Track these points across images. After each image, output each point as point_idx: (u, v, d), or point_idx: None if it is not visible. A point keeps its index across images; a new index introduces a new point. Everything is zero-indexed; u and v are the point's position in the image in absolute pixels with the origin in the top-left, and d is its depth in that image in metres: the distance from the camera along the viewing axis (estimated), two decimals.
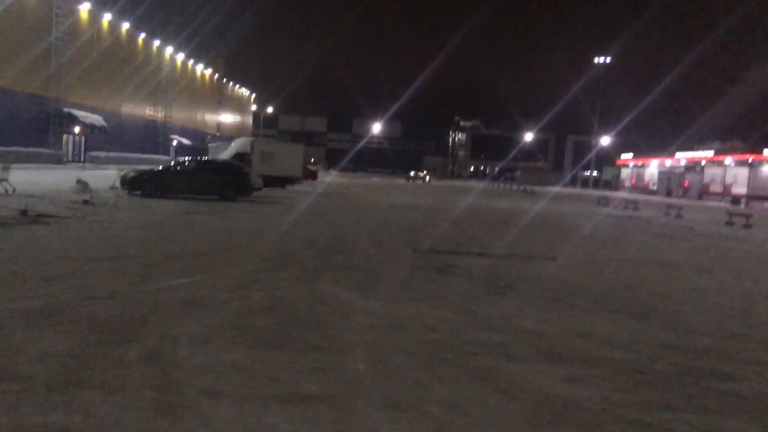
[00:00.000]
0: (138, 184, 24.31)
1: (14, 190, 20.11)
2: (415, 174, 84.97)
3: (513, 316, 7.44)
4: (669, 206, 35.08)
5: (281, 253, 11.70)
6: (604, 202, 41.92)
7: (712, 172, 71.01)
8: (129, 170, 29.75)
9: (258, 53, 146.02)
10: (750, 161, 63.85)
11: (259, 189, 27.30)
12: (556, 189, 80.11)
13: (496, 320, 7.21)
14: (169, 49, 71.99)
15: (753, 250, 17.89)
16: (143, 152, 64.90)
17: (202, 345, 5.62)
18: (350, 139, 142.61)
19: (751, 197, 62.00)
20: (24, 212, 14.94)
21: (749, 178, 63.01)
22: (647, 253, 15.22)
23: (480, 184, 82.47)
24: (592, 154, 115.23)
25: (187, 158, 29.16)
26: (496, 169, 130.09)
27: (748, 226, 26.61)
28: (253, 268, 9.79)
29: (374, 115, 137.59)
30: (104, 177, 31.57)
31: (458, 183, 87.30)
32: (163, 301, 7.20)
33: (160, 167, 26.56)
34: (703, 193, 70.54)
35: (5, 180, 20.53)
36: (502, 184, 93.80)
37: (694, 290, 10.27)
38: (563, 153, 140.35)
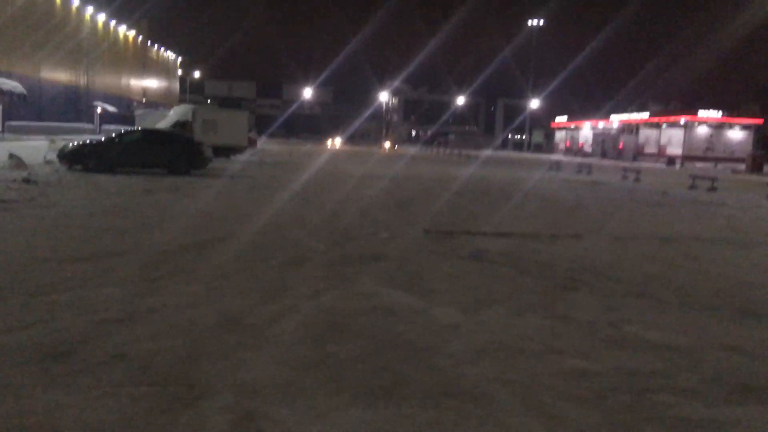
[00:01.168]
0: (79, 158, 21.91)
1: None
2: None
3: (619, 322, 6.24)
4: (625, 170, 34.82)
5: (285, 242, 10.15)
6: (555, 167, 41.56)
7: (646, 134, 72.20)
8: (62, 142, 27.15)
9: (184, 15, 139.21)
10: (683, 123, 65.12)
11: (211, 161, 25.26)
12: (489, 153, 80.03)
13: (608, 330, 5.99)
14: (89, 9, 67.16)
15: (745, 216, 17.38)
16: (66, 121, 60.59)
17: (294, 401, 4.14)
18: (280, 105, 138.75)
19: (686, 158, 63.40)
20: None
21: (684, 139, 64.31)
22: (660, 226, 14.38)
23: (413, 150, 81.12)
24: (524, 117, 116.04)
25: (131, 129, 26.70)
26: (428, 133, 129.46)
27: (712, 189, 26.47)
28: (270, 265, 8.25)
29: (305, 81, 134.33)
30: (33, 149, 28.76)
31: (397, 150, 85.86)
32: (196, 322, 5.65)
33: (102, 138, 24.14)
34: (638, 154, 71.72)
35: None
36: (436, 150, 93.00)
37: None
38: (494, 116, 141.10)
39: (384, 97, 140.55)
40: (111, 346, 4.95)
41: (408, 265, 8.68)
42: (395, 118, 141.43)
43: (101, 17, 71.16)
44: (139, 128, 27.36)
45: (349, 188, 20.94)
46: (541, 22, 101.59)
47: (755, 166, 56.65)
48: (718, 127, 64.49)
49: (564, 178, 32.49)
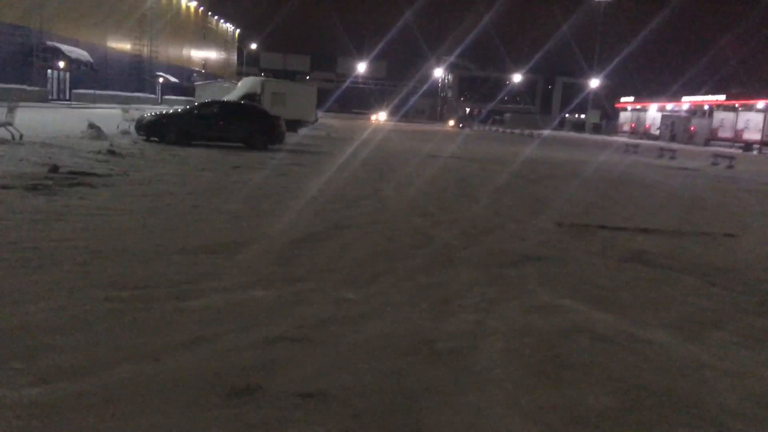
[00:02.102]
0: (156, 130, 21.29)
1: (21, 136, 17.02)
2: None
3: None
4: (716, 155, 32.76)
5: (412, 232, 9.11)
6: (632, 149, 39.59)
7: (721, 117, 68.84)
8: (136, 112, 26.63)
9: None
10: (764, 106, 61.71)
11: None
12: (548, 133, 77.76)
13: None
14: None
15: None
16: (129, 90, 60.76)
17: None
18: (334, 78, 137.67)
19: (765, 143, 60.16)
20: (54, 168, 12.06)
21: (764, 123, 60.93)
22: None
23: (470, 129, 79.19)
24: (585, 95, 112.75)
25: (208, 101, 26.00)
26: (483, 112, 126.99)
27: None
28: (416, 265, 7.22)
29: (359, 54, 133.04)
30: (105, 118, 28.19)
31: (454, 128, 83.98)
32: (384, 345, 4.64)
33: (179, 110, 23.43)
34: (710, 139, 68.44)
35: (10, 124, 17.38)
36: (493, 128, 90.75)
37: None
38: (551, 95, 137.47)
39: (439, 73, 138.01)
40: (299, 376, 3.97)
41: (569, 267, 7.55)
42: (450, 94, 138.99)
43: None
44: (217, 101, 26.59)
45: (434, 168, 19.84)
46: None
47: None
48: None
49: (649, 163, 30.71)
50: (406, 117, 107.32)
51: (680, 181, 21.33)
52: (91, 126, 20.40)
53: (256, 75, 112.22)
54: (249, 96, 34.83)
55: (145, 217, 8.64)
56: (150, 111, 25.75)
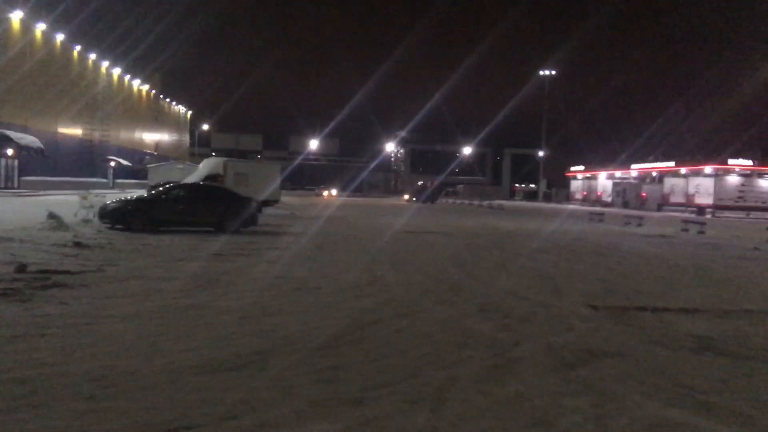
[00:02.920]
0: (122, 217, 19.99)
1: None
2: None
3: None
4: (685, 221, 32.83)
5: (442, 324, 8.09)
6: (597, 218, 39.63)
7: (671, 183, 70.49)
8: (95, 198, 25.23)
9: (191, 70, 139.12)
10: (712, 171, 63.49)
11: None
12: (504, 203, 78.36)
13: None
14: (104, 64, 66.28)
15: None
16: (80, 175, 58.87)
17: None
18: (286, 156, 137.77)
19: (717, 207, 61.53)
20: (21, 267, 10.70)
21: (715, 188, 62.53)
22: None
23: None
24: (533, 166, 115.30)
25: (173, 183, 24.88)
26: (433, 184, 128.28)
27: None
28: (477, 369, 6.17)
29: (311, 132, 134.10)
30: (61, 205, 26.65)
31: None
32: None
33: (144, 195, 22.22)
34: (662, 204, 69.80)
35: None
36: (449, 200, 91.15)
37: None
38: (501, 166, 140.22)
39: (391, 147, 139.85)
40: None
41: (644, 364, 6.59)
42: (402, 168, 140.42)
43: (116, 71, 70.31)
44: (184, 183, 25.45)
45: (418, 246, 18.96)
46: (553, 72, 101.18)
47: None
48: (749, 176, 62.85)
49: (622, 231, 30.51)
50: (360, 191, 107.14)
51: (668, 249, 20.89)
52: (51, 216, 18.96)
53: (207, 155, 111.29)
54: (211, 177, 33.75)
55: (141, 324, 7.43)
56: (111, 197, 24.45)
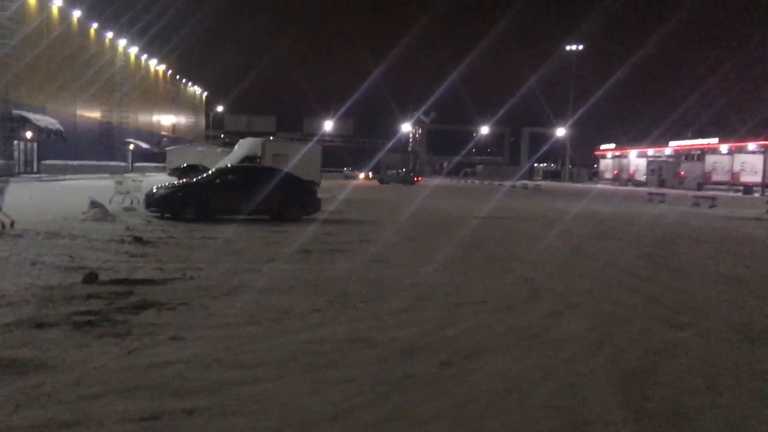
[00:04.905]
0: (171, 205, 17.52)
1: (12, 223, 13.07)
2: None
3: None
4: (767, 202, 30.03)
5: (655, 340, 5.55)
6: (658, 198, 36.87)
7: (713, 161, 67.47)
8: (133, 183, 22.79)
9: (207, 50, 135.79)
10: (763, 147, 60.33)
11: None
12: (530, 183, 76.08)
13: None
14: (122, 42, 63.59)
15: None
16: (98, 158, 56.49)
17: None
18: (301, 138, 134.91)
19: (767, 185, 58.56)
20: (91, 277, 8.21)
21: (765, 164, 59.41)
22: None
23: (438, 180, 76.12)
24: (550, 144, 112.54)
25: (228, 166, 22.41)
26: (447, 165, 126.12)
27: None
28: None
29: (325, 113, 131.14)
30: (92, 191, 24.21)
31: (435, 181, 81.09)
32: None
33: (195, 180, 19.65)
34: (704, 183, 66.75)
35: None
36: (465, 180, 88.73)
37: None
38: (518, 146, 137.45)
39: (407, 127, 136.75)
40: None
41: None
42: (419, 148, 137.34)
43: (133, 50, 67.63)
44: (238, 166, 23.00)
45: (516, 233, 16.52)
46: (580, 47, 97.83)
47: None
48: None
49: (705, 214, 27.82)
50: (377, 172, 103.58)
51: None
52: (94, 204, 16.51)
53: (218, 137, 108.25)
54: (249, 159, 31.31)
55: (318, 384, 4.90)
56: (151, 183, 22.03)
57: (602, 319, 7.27)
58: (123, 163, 63.27)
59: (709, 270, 11.41)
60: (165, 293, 7.71)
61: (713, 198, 33.30)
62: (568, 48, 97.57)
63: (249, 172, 19.76)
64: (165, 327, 6.15)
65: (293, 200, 18.59)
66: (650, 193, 39.72)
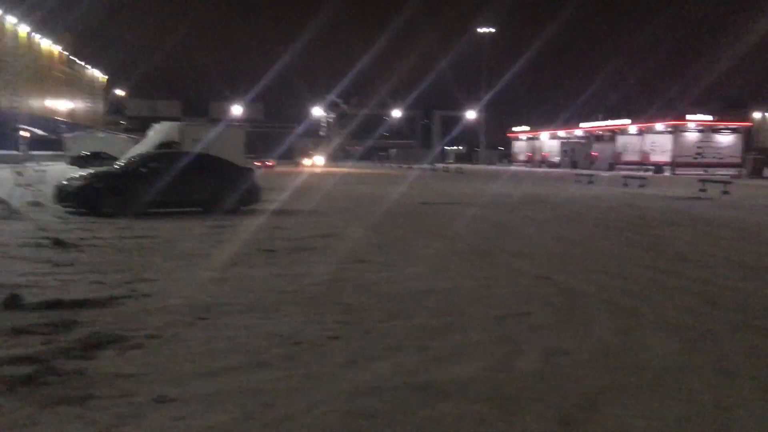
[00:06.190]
0: (89, 199, 15.14)
1: None
2: None
3: None
4: (701, 181, 30.03)
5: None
6: (587, 179, 36.72)
7: (624, 141, 68.92)
8: (35, 174, 20.04)
9: (106, 31, 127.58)
10: (669, 128, 62.03)
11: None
12: (446, 165, 76.75)
13: None
14: (11, 20, 58.16)
15: None
16: None
17: None
18: (206, 123, 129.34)
19: (676, 164, 60.24)
20: (14, 300, 6.15)
21: (674, 144, 61.09)
22: None
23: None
24: (463, 127, 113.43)
25: (153, 152, 19.99)
26: (360, 148, 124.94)
27: None
28: None
29: (233, 98, 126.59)
30: None
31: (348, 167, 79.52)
32: None
33: (113, 169, 17.22)
34: (615, 163, 68.11)
35: None
36: (381, 164, 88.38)
37: None
38: (430, 129, 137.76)
39: (319, 112, 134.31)
40: None
41: None
42: (330, 133, 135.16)
43: (24, 29, 62.08)
44: (165, 152, 20.62)
45: (472, 219, 15.22)
46: (491, 30, 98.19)
47: (755, 171, 54.02)
48: (706, 131, 61.84)
49: (643, 194, 27.57)
50: (288, 158, 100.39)
51: (735, 214, 17.99)
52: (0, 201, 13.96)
53: (117, 123, 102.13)
54: (166, 145, 28.59)
55: None
56: (60, 173, 19.33)
57: (700, 336, 5.93)
58: (16, 152, 58.01)
59: (721, 257, 10.42)
60: (119, 320, 5.81)
61: (643, 178, 33.35)
62: (479, 30, 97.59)
63: (176, 158, 17.38)
64: (140, 379, 4.31)
65: (229, 190, 16.53)
66: (578, 174, 39.60)
